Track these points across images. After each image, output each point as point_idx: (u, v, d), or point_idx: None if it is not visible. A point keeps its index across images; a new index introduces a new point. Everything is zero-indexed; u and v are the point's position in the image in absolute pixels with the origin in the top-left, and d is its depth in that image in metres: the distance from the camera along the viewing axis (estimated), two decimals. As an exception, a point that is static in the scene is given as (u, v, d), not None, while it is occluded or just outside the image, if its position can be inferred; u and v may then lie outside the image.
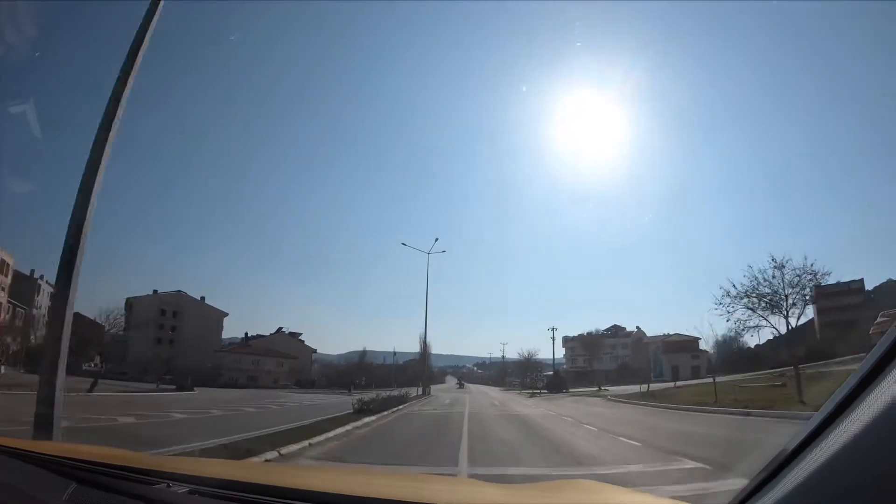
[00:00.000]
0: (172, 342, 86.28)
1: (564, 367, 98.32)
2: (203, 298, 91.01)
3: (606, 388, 59.01)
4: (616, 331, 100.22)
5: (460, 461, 9.54)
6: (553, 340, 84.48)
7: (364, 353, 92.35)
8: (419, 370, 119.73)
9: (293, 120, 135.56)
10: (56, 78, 76.42)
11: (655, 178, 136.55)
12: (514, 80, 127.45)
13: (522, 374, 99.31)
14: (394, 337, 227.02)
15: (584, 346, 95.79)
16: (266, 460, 8.44)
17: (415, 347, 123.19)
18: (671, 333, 65.18)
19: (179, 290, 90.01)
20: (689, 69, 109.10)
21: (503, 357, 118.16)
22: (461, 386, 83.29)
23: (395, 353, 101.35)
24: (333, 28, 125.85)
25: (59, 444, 3.57)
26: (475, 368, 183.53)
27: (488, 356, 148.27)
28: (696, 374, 62.01)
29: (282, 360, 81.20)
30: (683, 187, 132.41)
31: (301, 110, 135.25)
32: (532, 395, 52.09)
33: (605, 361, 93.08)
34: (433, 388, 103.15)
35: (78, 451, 2.56)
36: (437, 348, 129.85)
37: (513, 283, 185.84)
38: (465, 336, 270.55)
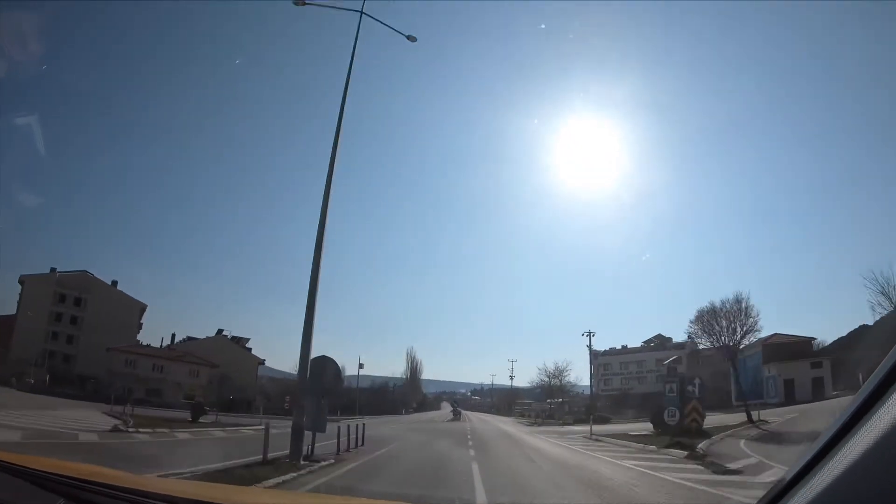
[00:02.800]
0: (71, 339, 63.98)
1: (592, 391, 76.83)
2: (115, 283, 68.72)
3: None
4: (662, 342, 77.81)
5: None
6: (590, 349, 62.72)
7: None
8: (407, 393, 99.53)
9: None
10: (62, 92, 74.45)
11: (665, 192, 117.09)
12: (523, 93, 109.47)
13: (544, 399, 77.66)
14: (377, 358, 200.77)
15: (620, 362, 76.02)
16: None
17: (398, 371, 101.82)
18: (769, 335, 42.68)
19: (85, 271, 67.78)
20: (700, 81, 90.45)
21: (511, 378, 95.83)
22: (456, 415, 59.70)
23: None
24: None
25: (48, 460, 3.10)
26: (470, 395, 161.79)
27: (483, 383, 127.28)
28: (819, 391, 39.53)
29: (197, 367, 58.07)
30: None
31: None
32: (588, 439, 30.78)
33: (649, 382, 71.69)
34: (421, 415, 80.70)
35: (65, 468, 2.62)
36: (429, 373, 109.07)
37: (515, 305, 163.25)
38: (459, 363, 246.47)
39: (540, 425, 45.38)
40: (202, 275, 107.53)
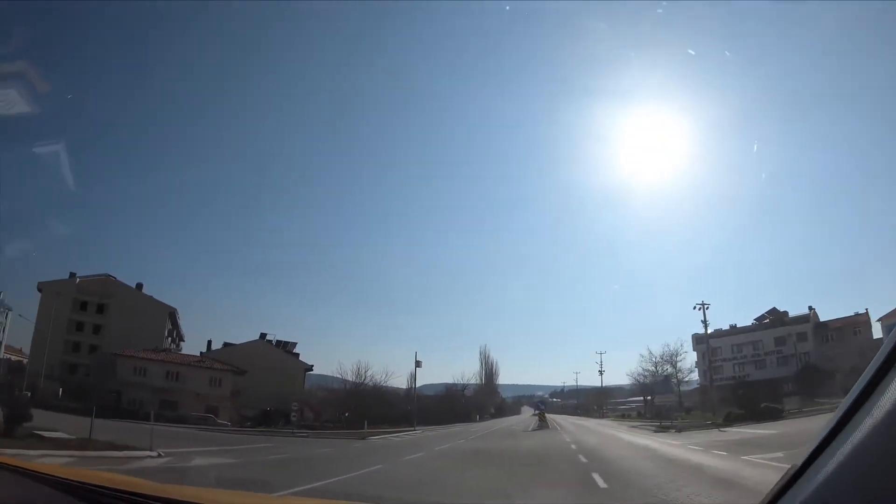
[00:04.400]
0: (95, 349, 56.42)
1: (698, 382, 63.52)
2: (140, 286, 60.78)
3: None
4: (777, 317, 62.17)
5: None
6: (705, 324, 49.43)
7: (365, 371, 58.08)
8: (481, 397, 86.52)
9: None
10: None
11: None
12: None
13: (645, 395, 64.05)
14: (447, 361, 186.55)
15: (732, 345, 63.06)
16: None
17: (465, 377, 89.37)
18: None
19: (108, 274, 60.24)
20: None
21: (601, 374, 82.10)
22: (542, 420, 46.48)
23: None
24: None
25: (70, 469, 3.43)
26: (548, 397, 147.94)
27: (564, 384, 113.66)
28: None
29: (219, 374, 48.01)
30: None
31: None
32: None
33: (769, 366, 59.44)
34: (498, 422, 68.70)
35: (87, 476, 2.69)
36: (505, 378, 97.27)
37: (590, 302, 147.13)
38: (535, 365, 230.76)
39: (680, 431, 31.20)
40: (241, 278, 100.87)
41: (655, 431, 33.69)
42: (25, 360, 56.36)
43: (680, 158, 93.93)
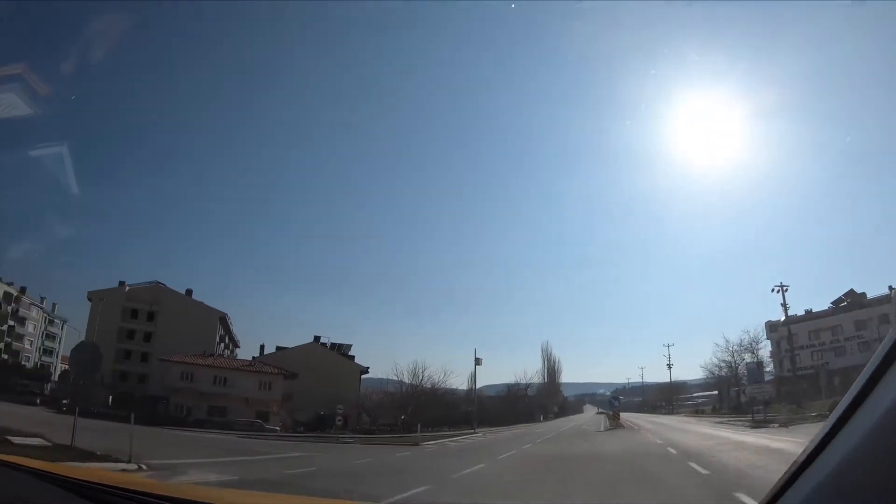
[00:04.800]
0: (146, 356, 55.95)
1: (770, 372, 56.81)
2: (189, 292, 60.15)
3: None
4: (855, 299, 56.05)
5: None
6: (785, 307, 44.54)
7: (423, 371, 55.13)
8: (544, 396, 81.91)
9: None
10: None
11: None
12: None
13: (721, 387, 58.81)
14: (506, 361, 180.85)
15: (808, 331, 57.22)
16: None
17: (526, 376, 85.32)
18: None
19: (157, 282, 59.91)
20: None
21: (669, 367, 76.19)
22: (615, 419, 41.44)
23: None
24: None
25: (77, 467, 3.64)
26: (610, 395, 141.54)
27: (629, 380, 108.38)
28: None
29: (268, 379, 45.91)
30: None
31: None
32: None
33: (850, 353, 52.50)
34: (562, 422, 64.88)
35: (94, 475, 2.69)
36: (564, 376, 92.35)
37: (654, 296, 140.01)
38: (596, 362, 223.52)
39: (787, 425, 26.33)
40: (295, 282, 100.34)
41: (753, 427, 28.95)
42: (76, 370, 56.70)
43: (746, 141, 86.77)
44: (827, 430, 1.22)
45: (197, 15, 75.48)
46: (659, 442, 21.45)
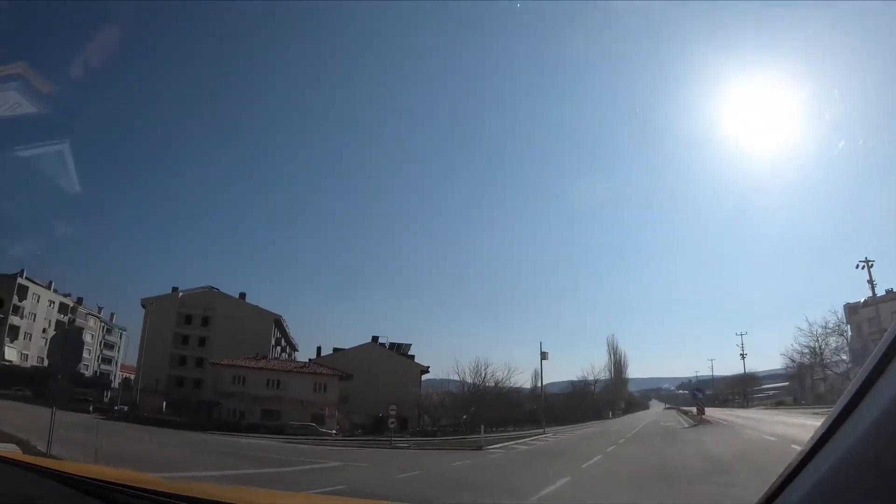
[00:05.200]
0: (201, 362, 55.86)
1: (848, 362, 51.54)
2: (243, 296, 59.85)
3: None
4: None
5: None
6: (872, 284, 40.52)
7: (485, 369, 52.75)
8: (611, 392, 78.06)
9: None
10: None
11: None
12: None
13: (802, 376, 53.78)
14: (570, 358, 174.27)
15: (893, 312, 48.15)
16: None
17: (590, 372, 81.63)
18: None
19: (211, 286, 59.87)
20: None
21: (743, 357, 70.88)
22: (699, 413, 37.29)
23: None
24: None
25: (85, 465, 3.40)
26: (675, 390, 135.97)
27: (696, 373, 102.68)
28: None
29: (323, 380, 44.44)
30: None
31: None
32: None
33: None
34: (636, 417, 61.33)
35: (102, 473, 2.62)
36: (632, 371, 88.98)
37: (724, 283, 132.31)
38: (660, 356, 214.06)
39: None
40: (352, 282, 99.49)
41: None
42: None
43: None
44: (827, 426, 1.21)
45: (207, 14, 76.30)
46: (772, 439, 18.28)
